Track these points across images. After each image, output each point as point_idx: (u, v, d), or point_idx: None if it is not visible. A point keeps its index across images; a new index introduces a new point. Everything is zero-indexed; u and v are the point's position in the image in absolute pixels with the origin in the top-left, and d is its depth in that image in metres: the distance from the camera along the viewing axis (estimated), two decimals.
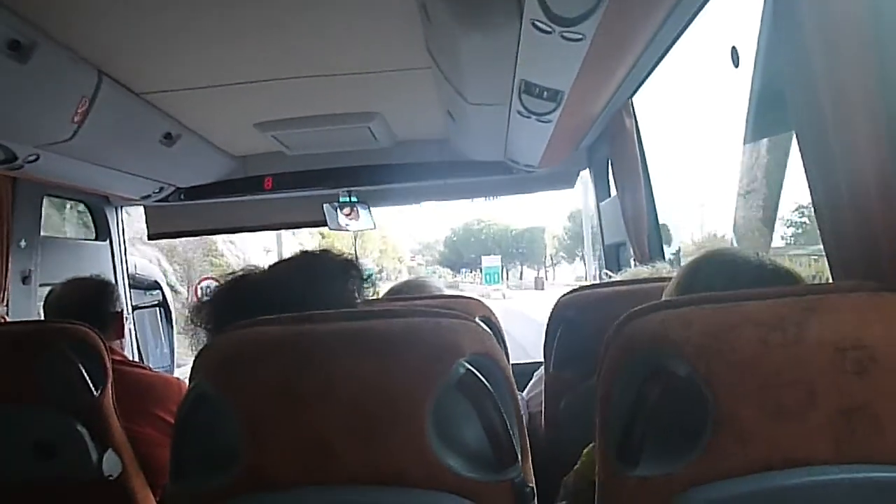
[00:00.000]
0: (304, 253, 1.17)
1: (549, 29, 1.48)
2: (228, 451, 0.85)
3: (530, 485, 0.88)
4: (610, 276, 2.77)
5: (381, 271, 48.23)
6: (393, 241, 50.32)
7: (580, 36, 1.50)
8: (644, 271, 1.99)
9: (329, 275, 1.12)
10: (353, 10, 1.87)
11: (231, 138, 3.01)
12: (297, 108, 2.68)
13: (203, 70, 2.25)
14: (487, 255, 46.08)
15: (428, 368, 0.84)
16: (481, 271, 45.52)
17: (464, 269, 54.12)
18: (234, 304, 1.07)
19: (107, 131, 2.31)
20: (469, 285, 46.50)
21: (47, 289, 2.80)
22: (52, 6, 1.71)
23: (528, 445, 0.93)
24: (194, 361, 0.90)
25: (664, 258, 2.48)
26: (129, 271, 3.56)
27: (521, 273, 54.09)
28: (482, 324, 1.62)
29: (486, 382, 0.86)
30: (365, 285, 1.16)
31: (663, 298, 1.16)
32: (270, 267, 1.15)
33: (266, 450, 0.84)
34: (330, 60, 2.24)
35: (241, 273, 1.14)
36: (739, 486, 0.81)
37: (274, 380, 0.84)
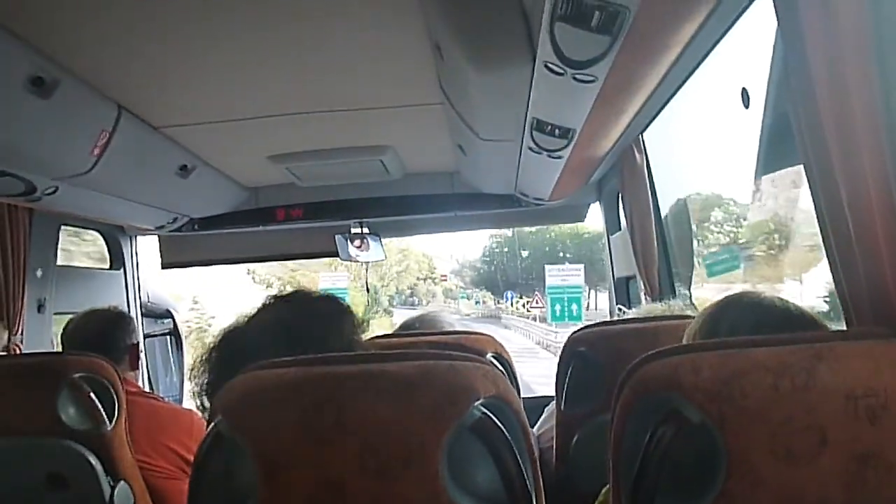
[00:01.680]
0: (294, 294, 1.20)
1: (561, 71, 1.51)
2: (245, 492, 0.86)
3: None
4: (623, 312, 2.78)
5: (410, 295, 43.13)
6: (416, 257, 44.02)
7: (592, 78, 1.52)
8: (658, 308, 1.99)
9: (327, 316, 1.14)
10: (368, 48, 1.91)
11: (244, 170, 3.05)
12: (310, 141, 2.72)
13: (219, 104, 2.30)
14: (556, 265, 22.28)
15: (442, 411, 0.85)
16: (543, 292, 24.37)
17: (510, 294, 39.45)
18: (231, 356, 1.09)
19: (125, 164, 2.35)
20: (519, 321, 31.99)
21: (61, 317, 2.85)
22: (74, 43, 1.76)
23: (542, 486, 0.93)
24: (213, 402, 0.92)
25: (674, 293, 2.48)
26: (143, 300, 3.60)
27: (593, 300, 32.61)
28: (495, 361, 1.65)
29: (500, 425, 0.87)
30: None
31: (684, 340, 1.16)
32: (261, 309, 1.17)
33: (282, 490, 0.85)
34: (344, 96, 2.28)
35: (229, 328, 1.16)
36: None
37: (291, 421, 0.85)
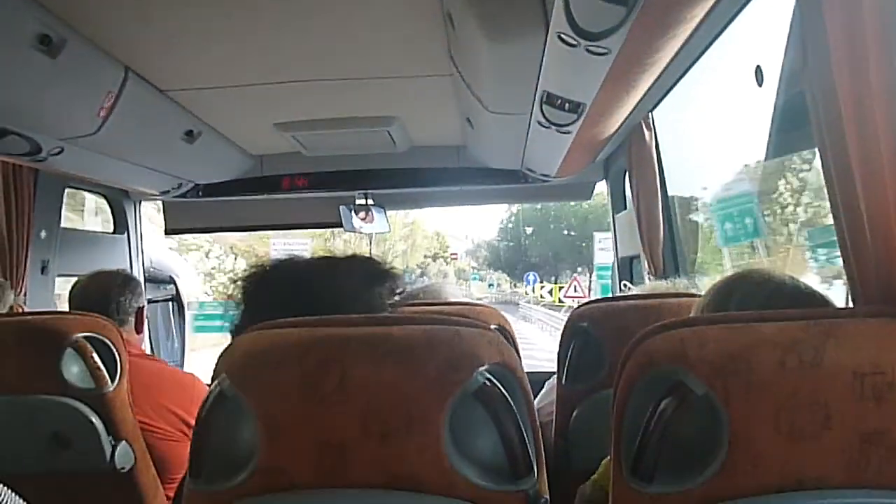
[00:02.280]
0: (348, 257, 1.17)
1: (574, 42, 1.49)
2: (247, 451, 0.86)
3: (545, 496, 0.89)
4: (628, 289, 2.78)
5: (420, 275, 37.91)
6: (423, 233, 40.53)
7: (605, 50, 1.50)
8: (662, 286, 1.99)
9: (366, 278, 1.12)
10: (377, 15, 1.89)
11: (251, 137, 3.03)
12: (316, 109, 2.70)
13: (226, 69, 2.27)
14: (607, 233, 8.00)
15: (446, 377, 0.85)
16: (589, 273, 22.00)
17: (532, 276, 32.02)
18: (266, 294, 1.08)
19: (130, 127, 2.34)
20: (541, 311, 24.75)
21: (64, 279, 2.86)
22: (82, 2, 1.74)
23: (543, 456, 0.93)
24: (217, 361, 0.92)
25: (678, 273, 2.48)
26: (146, 265, 3.60)
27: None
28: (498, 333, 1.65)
29: (504, 392, 0.87)
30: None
31: (693, 314, 1.16)
32: (308, 261, 1.15)
33: (283, 451, 0.85)
34: (352, 64, 2.26)
35: (279, 261, 1.14)
36: None
37: (293, 382, 0.85)
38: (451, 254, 44.06)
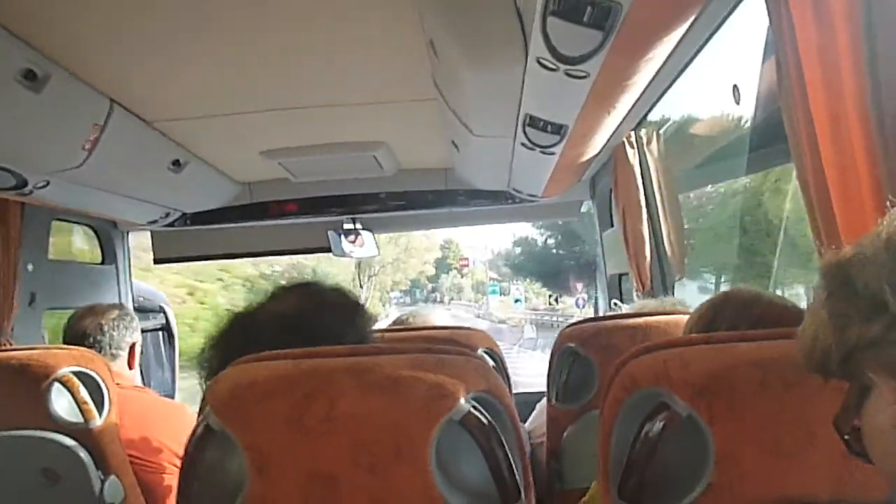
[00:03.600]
0: (306, 284, 1.18)
1: (553, 66, 1.51)
2: (235, 485, 0.86)
3: None
4: (618, 307, 2.79)
5: (431, 291, 34.79)
6: (418, 242, 32.86)
7: (584, 73, 1.52)
8: (651, 304, 2.00)
9: (340, 308, 1.13)
10: (361, 43, 1.90)
11: (237, 165, 3.04)
12: (303, 136, 2.71)
13: (211, 98, 2.29)
14: None
15: (431, 405, 0.85)
16: None
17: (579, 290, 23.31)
18: (238, 341, 1.08)
19: (117, 158, 2.34)
20: None
21: (51, 312, 2.84)
22: (66, 38, 1.75)
23: (532, 480, 0.93)
24: (202, 394, 0.92)
25: (666, 290, 2.49)
26: (134, 295, 3.58)
27: None
28: (487, 357, 1.66)
29: (489, 419, 0.87)
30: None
31: (682, 336, 1.17)
32: (269, 300, 1.15)
33: (272, 483, 0.85)
34: (337, 91, 2.28)
35: (238, 311, 1.15)
36: None
37: (280, 414, 0.85)
38: (461, 259, 35.82)
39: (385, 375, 0.86)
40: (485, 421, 0.87)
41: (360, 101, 2.37)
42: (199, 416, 0.90)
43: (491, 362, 1.66)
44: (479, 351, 1.65)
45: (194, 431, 0.89)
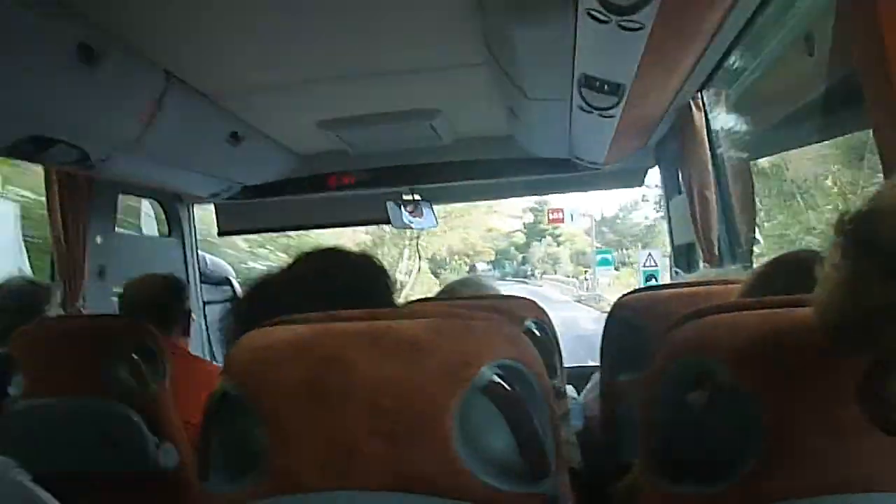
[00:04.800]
0: (326, 251, 1.15)
1: (605, 18, 1.42)
2: (254, 453, 0.84)
3: (564, 497, 0.83)
4: (680, 277, 2.67)
5: (521, 262, 27.83)
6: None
7: (639, 25, 1.43)
8: (711, 273, 1.89)
9: (367, 271, 1.10)
10: (409, 8, 1.86)
11: (295, 137, 3.05)
12: (358, 106, 2.69)
13: (267, 69, 2.29)
14: None
15: (454, 372, 0.80)
16: None
17: None
18: (261, 307, 1.06)
19: (175, 131, 2.38)
20: None
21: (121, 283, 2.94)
22: (121, 12, 1.77)
23: (564, 455, 0.87)
24: (223, 360, 0.90)
25: (734, 260, 2.36)
26: (202, 267, 3.68)
27: None
28: (535, 328, 1.60)
29: (516, 389, 0.81)
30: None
31: (732, 301, 1.09)
32: (290, 266, 1.14)
33: (291, 452, 0.82)
34: (388, 58, 2.25)
35: (266, 275, 1.13)
36: None
37: (298, 380, 0.82)
38: (551, 212, 23.26)
39: (404, 340, 0.81)
40: (511, 391, 0.81)
41: (412, 68, 2.33)
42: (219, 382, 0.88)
43: (539, 334, 1.61)
44: (528, 322, 1.59)
45: (212, 397, 0.88)
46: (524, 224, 29.50)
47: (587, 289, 23.69)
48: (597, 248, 24.96)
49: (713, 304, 0.87)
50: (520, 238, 29.70)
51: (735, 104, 2.35)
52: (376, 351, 0.81)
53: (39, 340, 1.72)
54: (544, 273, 28.88)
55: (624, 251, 25.86)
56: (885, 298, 0.54)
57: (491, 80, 2.36)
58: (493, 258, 28.42)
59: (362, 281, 1.09)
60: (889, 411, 0.58)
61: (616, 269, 23.40)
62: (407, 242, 22.07)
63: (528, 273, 28.37)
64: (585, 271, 26.25)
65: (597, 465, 1.68)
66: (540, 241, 29.38)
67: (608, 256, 22.98)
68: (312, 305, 0.91)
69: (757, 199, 2.42)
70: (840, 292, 0.59)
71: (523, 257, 28.99)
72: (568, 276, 27.83)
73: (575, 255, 28.69)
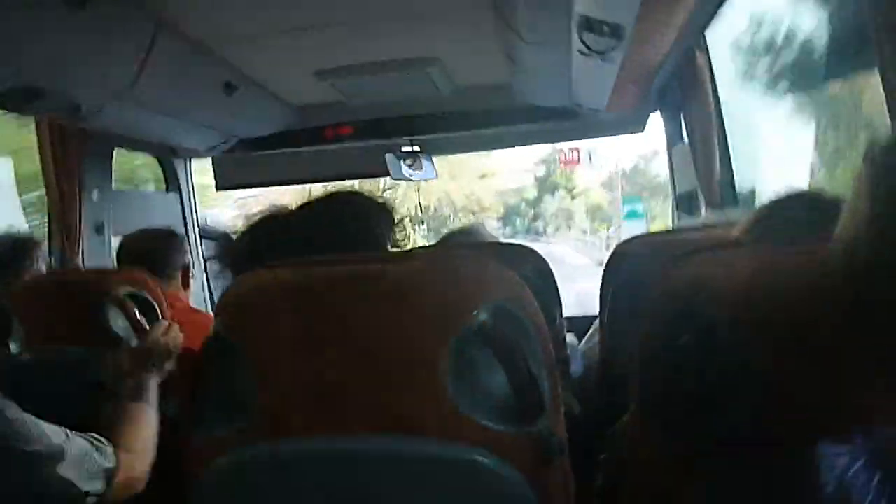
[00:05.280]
0: (335, 194, 1.13)
1: None
2: (244, 397, 0.83)
3: (559, 436, 0.83)
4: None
5: (533, 219, 25.37)
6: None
7: None
8: (713, 218, 1.87)
9: (359, 216, 1.07)
10: None
11: (291, 88, 2.99)
12: (355, 54, 2.63)
13: (260, 16, 2.22)
14: None
15: (446, 315, 0.79)
16: None
17: None
18: (262, 244, 1.05)
19: (166, 80, 2.33)
20: None
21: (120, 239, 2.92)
22: None
23: (560, 396, 0.86)
24: (216, 306, 0.89)
25: (737, 206, 2.33)
26: (202, 222, 3.65)
27: None
28: (532, 274, 1.58)
29: (508, 331, 0.80)
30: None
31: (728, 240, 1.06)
32: (299, 207, 1.12)
33: (280, 395, 0.82)
34: (385, 4, 2.18)
35: (269, 213, 1.11)
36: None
37: (288, 324, 0.81)
38: (568, 152, 19.47)
39: (394, 284, 0.80)
40: (504, 332, 0.80)
41: (410, 14, 2.26)
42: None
43: (538, 282, 1.59)
44: (526, 269, 1.58)
45: (205, 342, 0.87)
46: (535, 177, 27.14)
47: (610, 248, 19.54)
48: (623, 196, 21.58)
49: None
50: (531, 192, 27.34)
51: (741, 48, 2.28)
52: (367, 295, 0.80)
53: (33, 293, 1.72)
54: (557, 229, 26.63)
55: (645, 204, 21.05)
56: None
57: (489, 26, 2.29)
58: (501, 214, 26.21)
59: (375, 229, 1.06)
60: None
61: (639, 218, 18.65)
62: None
63: (541, 230, 26.27)
64: (608, 227, 23.64)
65: (596, 411, 1.68)
66: (553, 194, 26.63)
67: (637, 207, 19.06)
68: (310, 248, 0.90)
69: (820, 136, 2.29)
70: (872, 228, 0.54)
71: (534, 213, 26.75)
72: (585, 234, 25.59)
73: (591, 210, 26.06)
